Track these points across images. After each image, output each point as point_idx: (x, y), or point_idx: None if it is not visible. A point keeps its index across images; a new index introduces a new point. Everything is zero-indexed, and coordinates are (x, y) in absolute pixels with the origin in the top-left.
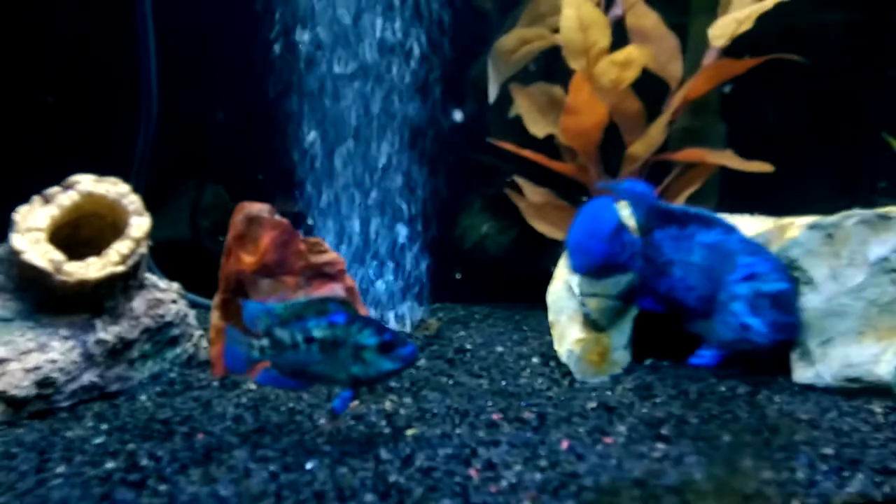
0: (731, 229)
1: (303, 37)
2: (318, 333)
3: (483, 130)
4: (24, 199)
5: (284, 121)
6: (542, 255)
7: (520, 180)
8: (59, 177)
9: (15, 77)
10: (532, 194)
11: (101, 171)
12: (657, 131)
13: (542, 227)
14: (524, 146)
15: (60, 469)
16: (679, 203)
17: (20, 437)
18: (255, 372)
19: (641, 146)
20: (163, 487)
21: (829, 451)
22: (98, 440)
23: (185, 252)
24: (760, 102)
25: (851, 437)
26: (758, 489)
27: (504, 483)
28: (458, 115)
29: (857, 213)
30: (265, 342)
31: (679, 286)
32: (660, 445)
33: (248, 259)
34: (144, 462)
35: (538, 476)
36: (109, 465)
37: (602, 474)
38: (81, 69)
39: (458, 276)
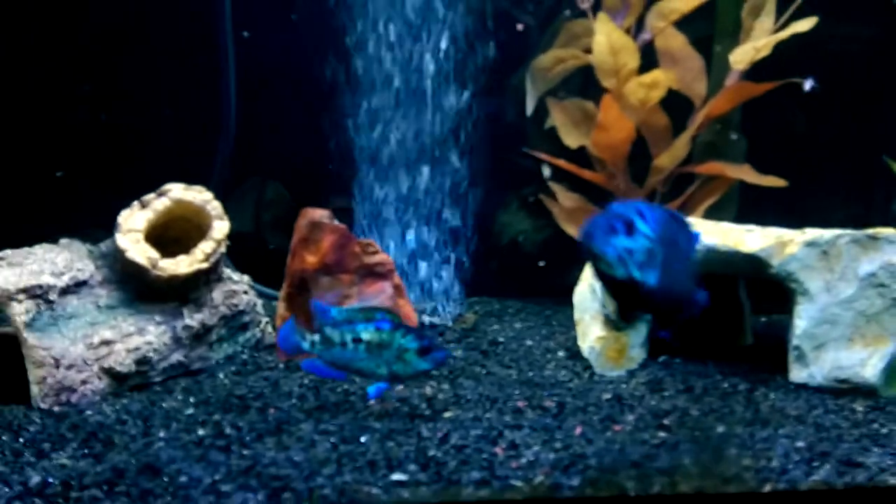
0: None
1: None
2: (365, 336)
3: (522, 134)
4: (122, 200)
5: (341, 121)
6: (573, 255)
7: (553, 185)
8: (149, 179)
9: (107, 88)
10: (564, 199)
11: (187, 172)
12: (681, 145)
13: (572, 229)
14: (558, 154)
15: (161, 434)
16: (699, 213)
17: (127, 406)
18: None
19: (667, 159)
20: (246, 452)
21: (805, 443)
22: (188, 411)
23: (248, 243)
24: (784, 116)
25: (830, 431)
26: (737, 473)
27: (524, 460)
28: (499, 119)
29: (849, 233)
30: (317, 338)
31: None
32: (661, 434)
33: (310, 259)
34: (228, 431)
35: (552, 456)
36: (200, 432)
37: (606, 456)
38: (165, 81)
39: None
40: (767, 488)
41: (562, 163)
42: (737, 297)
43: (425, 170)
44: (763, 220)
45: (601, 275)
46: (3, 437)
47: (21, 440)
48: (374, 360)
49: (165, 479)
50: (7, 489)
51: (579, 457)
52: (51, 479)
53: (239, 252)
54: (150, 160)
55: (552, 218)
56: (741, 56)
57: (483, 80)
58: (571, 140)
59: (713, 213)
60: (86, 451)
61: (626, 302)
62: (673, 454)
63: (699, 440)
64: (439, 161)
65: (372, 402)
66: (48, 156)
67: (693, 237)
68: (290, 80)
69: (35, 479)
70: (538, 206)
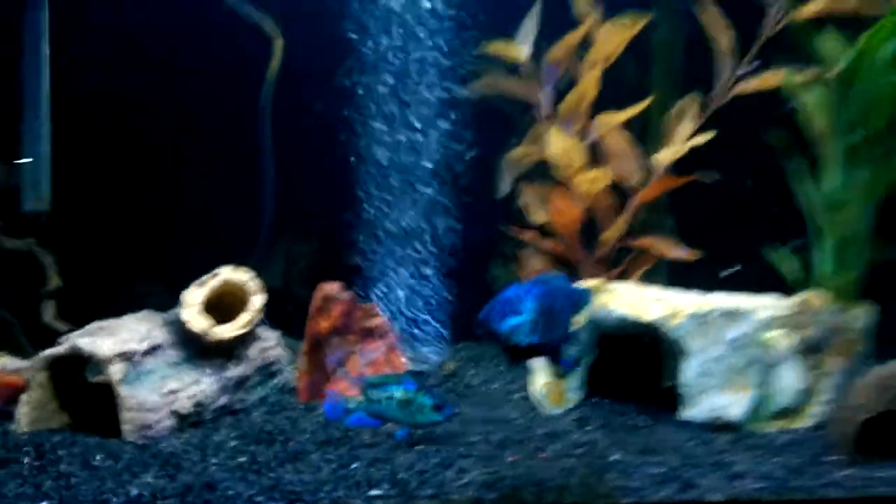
0: None
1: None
2: (397, 395)
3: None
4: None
5: (356, 193)
6: None
7: (525, 251)
8: (205, 243)
9: (164, 173)
10: (533, 263)
11: (233, 239)
12: (622, 223)
13: None
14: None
15: (213, 460)
16: (635, 278)
17: (188, 439)
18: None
19: (611, 234)
20: (272, 474)
21: (668, 468)
22: (232, 443)
23: (277, 296)
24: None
25: (691, 459)
26: (606, 492)
27: (464, 481)
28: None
29: (719, 308)
30: (361, 399)
31: None
32: (571, 460)
33: (323, 324)
34: (259, 458)
35: (484, 478)
36: (241, 459)
37: (522, 478)
38: (212, 169)
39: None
40: (624, 502)
41: (528, 234)
42: (657, 349)
43: (427, 236)
44: (690, 283)
45: (497, 344)
46: (108, 463)
47: (119, 465)
48: (402, 412)
49: (219, 493)
50: (116, 499)
51: (502, 478)
52: (143, 493)
53: (269, 304)
54: (204, 226)
55: None
56: (664, 156)
57: (469, 164)
58: (538, 217)
59: (648, 277)
60: (163, 472)
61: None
62: (570, 476)
63: (594, 465)
64: (439, 227)
65: (399, 440)
66: (125, 235)
67: (576, 297)
68: (318, 158)
69: (134, 491)
70: (520, 261)
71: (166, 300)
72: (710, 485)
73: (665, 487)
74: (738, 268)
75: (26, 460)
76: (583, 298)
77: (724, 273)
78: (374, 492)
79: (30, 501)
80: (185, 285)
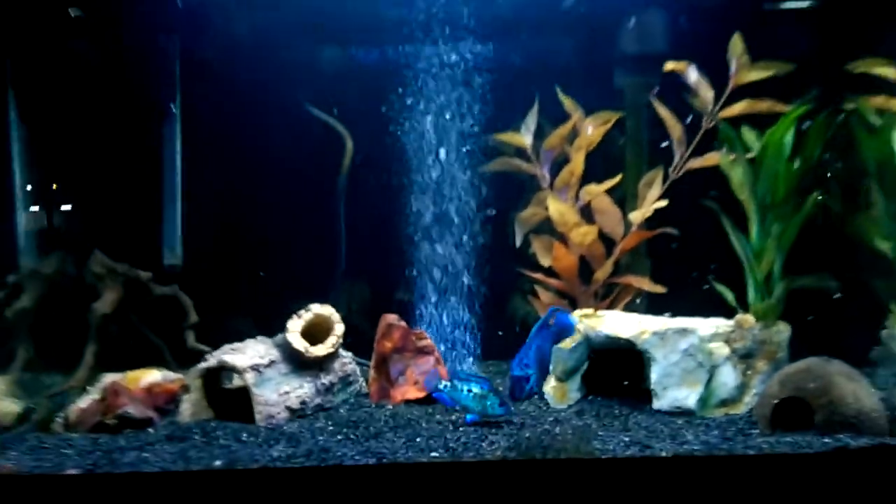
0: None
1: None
2: (475, 389)
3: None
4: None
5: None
6: None
7: (537, 287)
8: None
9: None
10: (543, 297)
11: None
12: (609, 265)
13: None
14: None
15: (321, 437)
16: (620, 307)
17: (299, 425)
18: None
19: (601, 273)
20: (362, 445)
21: (634, 439)
22: (330, 428)
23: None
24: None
25: (655, 433)
26: (590, 451)
27: (494, 445)
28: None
29: (673, 327)
30: (448, 384)
31: None
32: (569, 434)
33: (387, 345)
34: (351, 436)
35: (507, 443)
36: (339, 437)
37: (535, 445)
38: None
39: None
40: (601, 457)
41: (538, 276)
42: (639, 358)
43: (461, 276)
44: (665, 309)
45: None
46: (251, 438)
47: (259, 439)
48: (475, 402)
49: (331, 454)
50: (264, 458)
51: (520, 444)
52: (281, 455)
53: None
54: (293, 273)
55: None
56: (636, 217)
57: (493, 219)
58: (545, 261)
59: (631, 308)
60: (289, 444)
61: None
62: (567, 442)
63: (584, 438)
64: (470, 269)
65: (468, 423)
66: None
67: (564, 334)
68: (376, 221)
69: (274, 454)
70: (534, 295)
71: (269, 331)
72: (662, 447)
73: (630, 449)
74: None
75: (197, 437)
76: (568, 332)
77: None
78: (433, 454)
79: (208, 460)
80: (281, 319)
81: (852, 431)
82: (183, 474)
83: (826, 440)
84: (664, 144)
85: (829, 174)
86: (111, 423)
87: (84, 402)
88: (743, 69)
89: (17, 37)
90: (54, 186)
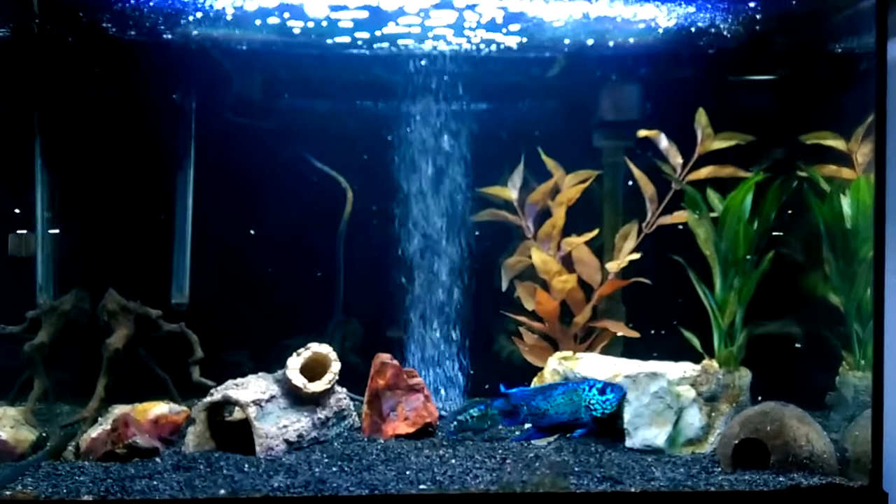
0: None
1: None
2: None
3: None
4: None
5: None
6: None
7: (521, 329)
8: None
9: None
10: (527, 338)
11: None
12: (588, 310)
13: (532, 358)
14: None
15: (316, 469)
16: (598, 350)
17: (296, 457)
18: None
19: (581, 318)
20: (356, 477)
21: (606, 474)
22: (325, 460)
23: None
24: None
25: (624, 470)
26: (564, 486)
27: (479, 480)
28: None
29: (644, 371)
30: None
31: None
32: (545, 469)
33: (380, 382)
34: (345, 468)
35: (490, 477)
36: (334, 469)
37: (512, 478)
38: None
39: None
40: (573, 490)
41: (523, 318)
42: None
43: (450, 317)
44: (642, 353)
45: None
46: (252, 469)
47: (259, 470)
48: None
49: (327, 485)
50: (265, 488)
51: (499, 479)
52: (281, 485)
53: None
54: (293, 314)
55: None
56: (612, 266)
57: (480, 265)
58: (528, 305)
59: (608, 350)
60: (288, 475)
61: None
62: (545, 477)
63: (561, 472)
64: (458, 311)
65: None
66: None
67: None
68: (372, 266)
69: (275, 484)
70: (518, 336)
71: (267, 365)
72: (631, 483)
73: (602, 484)
74: None
75: (202, 467)
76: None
77: None
78: (421, 486)
79: (213, 489)
80: (280, 355)
81: (805, 471)
82: (190, 502)
83: (781, 479)
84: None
85: (783, 233)
86: (121, 452)
87: (95, 432)
88: (707, 139)
89: (45, 90)
90: (73, 229)
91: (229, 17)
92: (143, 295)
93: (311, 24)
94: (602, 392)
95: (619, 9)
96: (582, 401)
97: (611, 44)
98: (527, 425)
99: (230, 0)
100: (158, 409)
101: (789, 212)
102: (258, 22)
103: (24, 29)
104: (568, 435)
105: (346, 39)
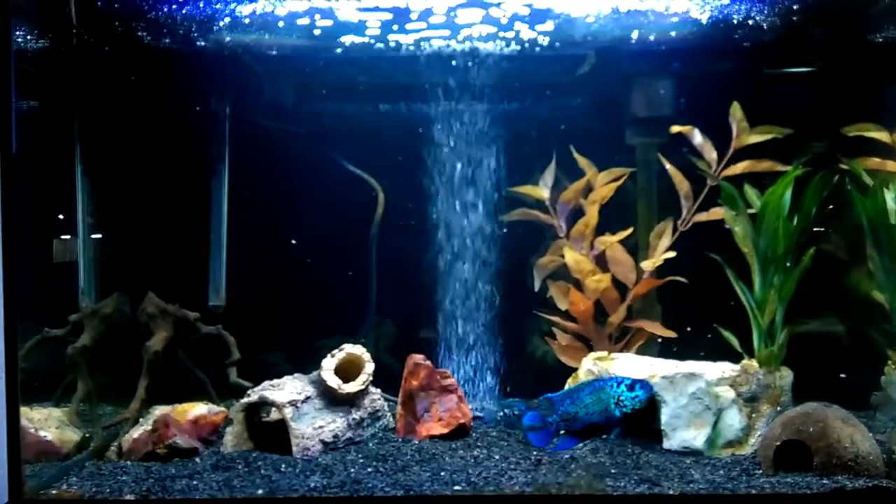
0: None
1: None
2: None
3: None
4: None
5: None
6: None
7: (554, 329)
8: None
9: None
10: (561, 339)
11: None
12: (623, 310)
13: (565, 359)
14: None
15: (352, 469)
16: (634, 350)
17: (332, 457)
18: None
19: (615, 318)
20: (392, 477)
21: (644, 477)
22: (361, 461)
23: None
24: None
25: (663, 472)
26: (601, 487)
27: (514, 481)
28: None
29: (682, 371)
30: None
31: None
32: (580, 470)
33: (414, 383)
34: (380, 469)
35: (524, 478)
36: (369, 469)
37: (548, 479)
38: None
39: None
40: (612, 493)
41: (556, 319)
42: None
43: (483, 317)
44: (676, 352)
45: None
46: (289, 469)
47: (296, 470)
48: (597, 404)
49: (363, 486)
50: (299, 488)
51: (534, 479)
52: (317, 485)
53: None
54: (329, 315)
55: None
56: (647, 265)
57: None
58: (562, 305)
59: (643, 350)
60: (324, 475)
61: None
62: (581, 479)
63: (596, 474)
64: (492, 311)
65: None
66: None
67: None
68: (405, 268)
69: (312, 484)
70: (552, 336)
71: (304, 368)
72: (669, 485)
73: (640, 487)
74: None
75: (240, 467)
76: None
77: None
78: (456, 487)
79: (252, 489)
80: (315, 356)
81: (850, 473)
82: (229, 501)
83: (824, 482)
84: None
85: (825, 229)
86: (161, 452)
87: (136, 433)
88: (743, 133)
89: (83, 98)
90: (113, 234)
91: (260, 22)
92: (181, 298)
93: (340, 26)
94: (631, 388)
95: (650, 2)
96: (611, 398)
97: (642, 39)
98: (561, 431)
99: (261, 5)
100: (197, 409)
101: (830, 207)
102: (281, 24)
103: (64, 40)
104: (603, 437)
105: (374, 41)
